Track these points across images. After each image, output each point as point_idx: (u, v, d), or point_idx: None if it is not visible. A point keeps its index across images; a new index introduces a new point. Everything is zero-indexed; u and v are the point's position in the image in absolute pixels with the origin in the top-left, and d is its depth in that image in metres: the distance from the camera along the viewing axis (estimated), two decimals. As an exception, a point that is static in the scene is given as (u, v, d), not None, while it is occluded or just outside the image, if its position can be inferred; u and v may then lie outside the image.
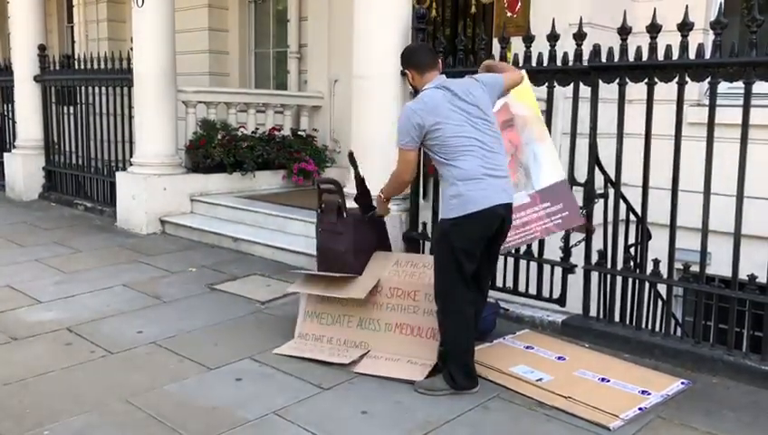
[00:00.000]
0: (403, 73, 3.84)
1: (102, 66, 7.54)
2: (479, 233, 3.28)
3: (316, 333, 3.94)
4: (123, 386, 3.37)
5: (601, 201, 4.19)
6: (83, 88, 7.98)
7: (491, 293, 3.95)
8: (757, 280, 3.57)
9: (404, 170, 3.51)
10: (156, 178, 6.77)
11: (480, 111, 3.34)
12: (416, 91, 3.63)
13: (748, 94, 3.51)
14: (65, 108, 8.39)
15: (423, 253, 4.97)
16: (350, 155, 4.42)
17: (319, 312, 4.02)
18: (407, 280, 3.89)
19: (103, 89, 7.65)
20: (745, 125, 3.52)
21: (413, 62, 3.59)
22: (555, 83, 4.24)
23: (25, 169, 8.58)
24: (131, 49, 6.92)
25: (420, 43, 3.78)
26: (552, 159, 3.96)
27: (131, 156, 7.14)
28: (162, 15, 6.74)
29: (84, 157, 8.08)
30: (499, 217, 3.30)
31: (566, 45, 4.17)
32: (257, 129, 7.68)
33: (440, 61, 3.67)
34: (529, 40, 4.30)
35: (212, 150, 7.03)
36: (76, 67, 8.12)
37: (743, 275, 3.60)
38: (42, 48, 8.49)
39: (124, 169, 7.25)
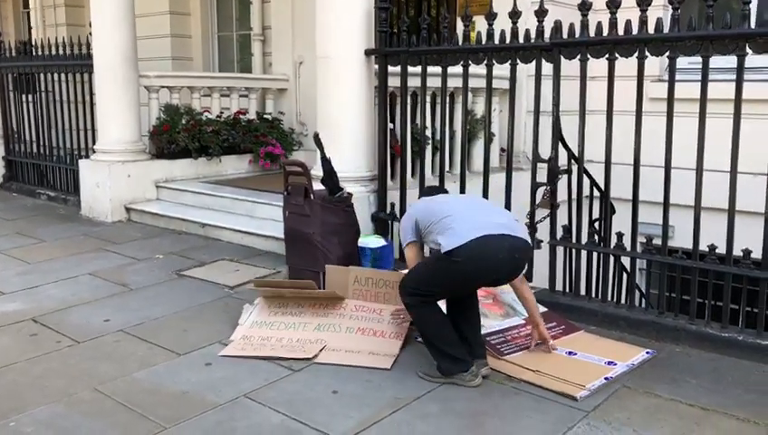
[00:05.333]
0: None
1: (61, 52, 7.38)
2: None
3: (263, 335, 3.75)
4: (91, 375, 3.33)
5: (565, 177, 4.24)
6: (42, 75, 7.82)
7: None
8: (717, 251, 3.65)
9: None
10: (120, 165, 6.67)
11: None
12: None
13: (706, 68, 3.56)
14: (24, 96, 8.21)
15: (391, 234, 4.98)
16: (316, 136, 4.41)
17: (271, 321, 3.87)
18: (372, 300, 3.90)
19: (63, 75, 7.50)
20: (704, 99, 3.58)
21: None
22: (518, 61, 4.26)
23: (-16, 160, 8.39)
24: (90, 34, 6.78)
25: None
26: None
27: (94, 143, 7.03)
28: (121, -1, 6.61)
29: (46, 145, 7.93)
30: None
31: (529, 23, 4.18)
32: (222, 113, 7.59)
33: None
34: (491, 17, 4.31)
35: (176, 136, 6.94)
36: (34, 54, 7.93)
37: (704, 247, 3.68)
38: (-3, 34, 8.29)
39: (87, 156, 7.13)
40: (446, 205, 3.40)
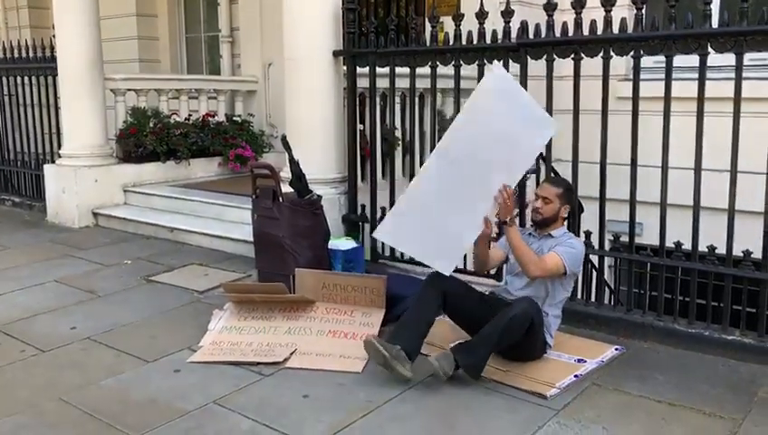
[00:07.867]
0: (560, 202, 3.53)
1: (25, 55, 7.25)
2: None
3: (233, 340, 3.70)
4: (56, 384, 3.27)
5: (534, 176, 4.26)
6: (5, 78, 7.67)
7: (423, 269, 4.03)
8: (684, 247, 3.70)
9: (541, 270, 3.38)
10: (86, 169, 6.57)
11: None
12: (543, 221, 3.55)
13: (669, 67, 3.61)
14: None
15: (362, 235, 4.97)
16: (284, 138, 4.38)
17: (241, 326, 3.83)
18: (342, 302, 3.89)
19: (27, 78, 7.35)
20: (668, 97, 3.63)
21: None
22: (485, 61, 4.26)
23: (-55, 166, 8.19)
24: (54, 36, 6.67)
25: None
26: None
27: (60, 148, 6.91)
28: (86, 1, 6.50)
29: (10, 150, 7.77)
30: None
31: (496, 24, 4.19)
32: (190, 115, 7.51)
33: None
34: (459, 18, 4.31)
35: (144, 139, 6.85)
36: (-4, 56, 7.78)
37: (671, 244, 3.72)
38: (-42, 37, 8.11)
39: (53, 161, 7.00)
40: None
